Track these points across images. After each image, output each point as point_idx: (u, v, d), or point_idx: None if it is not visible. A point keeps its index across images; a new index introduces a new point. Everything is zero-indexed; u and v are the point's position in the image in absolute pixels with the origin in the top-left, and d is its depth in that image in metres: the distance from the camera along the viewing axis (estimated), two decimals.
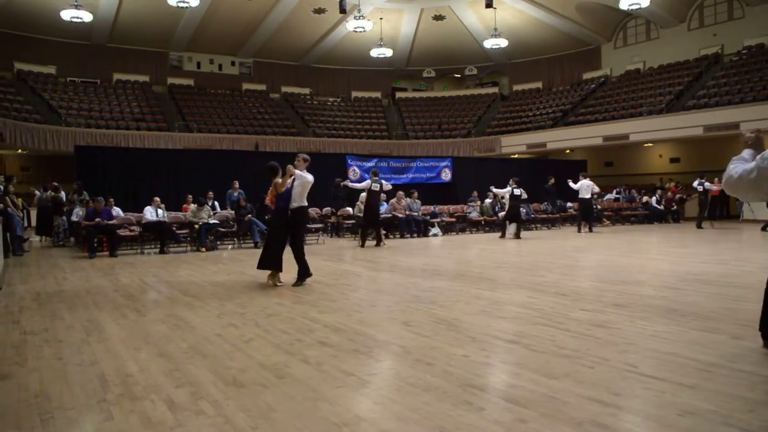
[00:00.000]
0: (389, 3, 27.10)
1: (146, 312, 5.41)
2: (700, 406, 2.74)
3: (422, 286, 6.68)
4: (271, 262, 6.82)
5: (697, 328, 4.30)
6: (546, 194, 18.15)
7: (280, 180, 6.85)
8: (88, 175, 13.53)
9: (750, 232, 14.57)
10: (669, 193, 20.11)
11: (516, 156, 26.52)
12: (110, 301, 5.98)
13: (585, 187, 14.99)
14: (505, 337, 4.19)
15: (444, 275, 7.59)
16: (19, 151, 22.17)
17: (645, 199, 19.98)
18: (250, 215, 12.36)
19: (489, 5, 25.00)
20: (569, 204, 18.40)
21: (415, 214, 14.89)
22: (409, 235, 14.50)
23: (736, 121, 19.51)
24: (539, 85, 31.40)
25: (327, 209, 15.29)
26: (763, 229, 14.13)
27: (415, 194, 15.30)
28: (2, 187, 11.57)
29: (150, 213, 11.57)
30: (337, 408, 2.84)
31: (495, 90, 32.56)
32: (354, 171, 17.14)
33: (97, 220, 10.85)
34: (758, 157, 3.26)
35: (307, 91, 31.67)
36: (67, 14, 21.83)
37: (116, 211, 11.89)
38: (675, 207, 19.70)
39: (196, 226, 11.83)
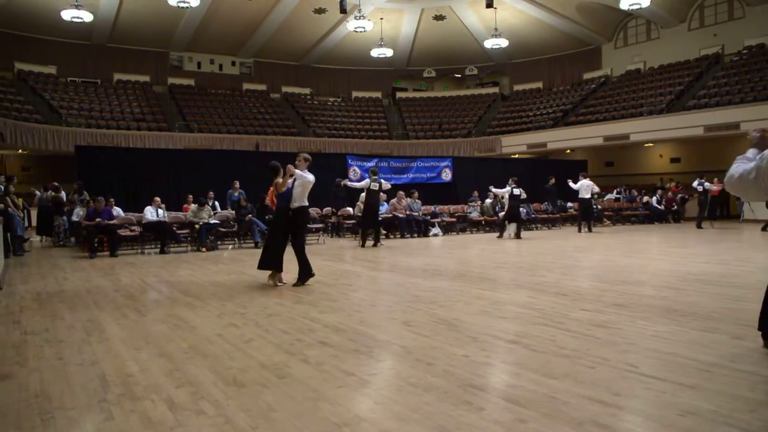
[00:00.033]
0: (390, 3, 27.10)
1: (147, 312, 5.41)
2: (701, 406, 2.74)
3: (423, 286, 6.68)
4: (271, 262, 6.82)
5: (697, 328, 4.30)
6: (546, 194, 18.15)
7: (280, 180, 6.84)
8: (88, 175, 13.54)
9: (750, 232, 14.56)
10: (669, 193, 20.12)
11: (516, 156, 26.52)
12: (111, 301, 5.99)
13: (585, 187, 14.99)
14: (506, 337, 4.19)
15: (444, 275, 7.59)
16: (20, 151, 22.19)
17: (645, 199, 19.98)
18: (250, 215, 12.36)
19: (489, 5, 25.01)
20: (569, 204, 18.40)
21: (416, 214, 14.89)
22: (409, 235, 14.50)
23: (737, 121, 19.53)
24: (540, 85, 31.39)
25: (327, 209, 15.29)
26: (764, 229, 14.14)
27: (416, 194, 15.31)
28: (3, 187, 11.57)
29: (150, 213, 11.57)
30: (337, 408, 2.84)
31: (495, 90, 32.54)
32: (354, 171, 17.13)
33: (98, 220, 10.85)
34: (758, 156, 3.27)
35: (307, 91, 31.66)
36: (67, 14, 21.83)
37: (117, 211, 11.90)
38: (676, 207, 19.70)
39: (197, 226, 11.84)
